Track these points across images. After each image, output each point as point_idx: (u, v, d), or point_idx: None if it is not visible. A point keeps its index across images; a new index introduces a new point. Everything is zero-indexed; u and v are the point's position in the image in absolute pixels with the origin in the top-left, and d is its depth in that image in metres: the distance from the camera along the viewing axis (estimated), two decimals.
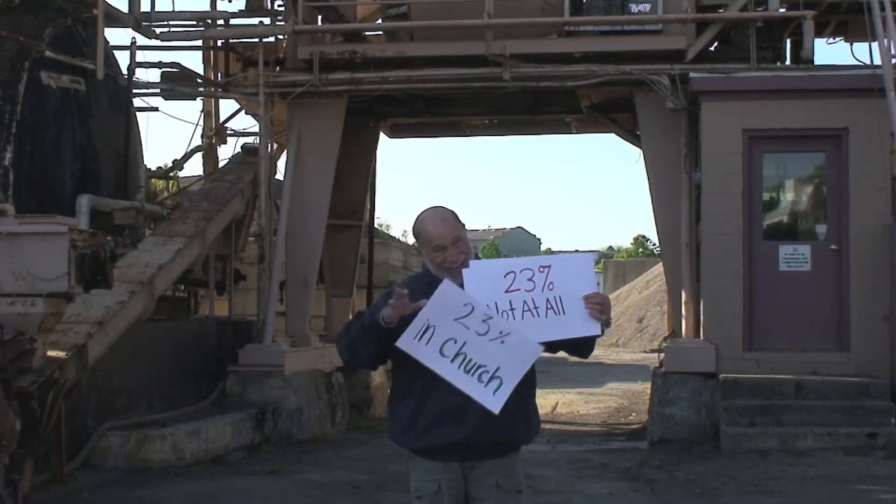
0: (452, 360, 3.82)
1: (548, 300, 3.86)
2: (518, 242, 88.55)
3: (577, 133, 16.49)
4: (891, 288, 11.28)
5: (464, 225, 4.11)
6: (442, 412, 3.96)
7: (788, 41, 12.97)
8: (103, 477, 9.27)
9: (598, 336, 3.92)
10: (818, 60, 12.22)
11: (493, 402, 3.83)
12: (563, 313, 3.86)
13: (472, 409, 3.89)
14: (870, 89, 11.41)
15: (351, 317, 4.07)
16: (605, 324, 3.94)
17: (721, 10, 12.43)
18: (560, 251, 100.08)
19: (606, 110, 14.67)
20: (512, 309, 3.85)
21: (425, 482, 4.08)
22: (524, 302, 3.86)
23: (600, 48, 12.61)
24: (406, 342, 3.83)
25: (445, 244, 4.02)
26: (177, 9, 13.96)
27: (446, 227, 4.05)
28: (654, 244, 57.25)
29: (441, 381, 3.90)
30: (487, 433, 3.95)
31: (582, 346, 4.08)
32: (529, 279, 3.87)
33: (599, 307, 3.88)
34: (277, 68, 13.45)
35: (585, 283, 3.90)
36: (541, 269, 3.88)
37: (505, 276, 3.87)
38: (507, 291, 3.86)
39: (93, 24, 12.11)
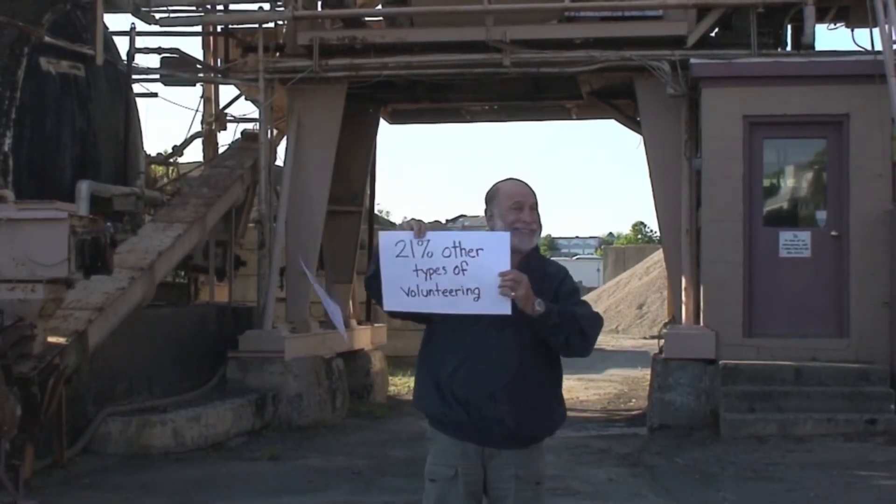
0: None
1: (462, 277, 3.82)
2: None
3: (578, 119, 16.45)
4: (891, 274, 11.29)
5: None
6: (474, 383, 3.86)
7: (789, 27, 12.94)
8: (104, 462, 9.29)
9: (506, 314, 3.77)
10: (819, 46, 12.19)
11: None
12: (477, 293, 3.80)
13: (508, 392, 3.85)
14: (871, 75, 11.38)
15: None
16: (533, 304, 3.78)
17: None
18: (560, 238, 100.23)
19: (607, 96, 14.63)
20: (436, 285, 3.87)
21: (440, 465, 3.95)
22: (442, 275, 3.84)
23: (601, 34, 12.58)
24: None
25: (524, 204, 4.02)
26: None
27: (527, 190, 4.09)
28: (654, 230, 57.21)
29: (476, 347, 3.87)
30: (506, 423, 3.86)
31: (574, 347, 3.91)
32: (447, 256, 3.84)
33: (511, 283, 3.74)
34: (277, 54, 13.42)
35: (501, 261, 3.79)
36: (455, 245, 3.84)
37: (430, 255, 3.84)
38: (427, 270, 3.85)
39: (92, 9, 12.08)
